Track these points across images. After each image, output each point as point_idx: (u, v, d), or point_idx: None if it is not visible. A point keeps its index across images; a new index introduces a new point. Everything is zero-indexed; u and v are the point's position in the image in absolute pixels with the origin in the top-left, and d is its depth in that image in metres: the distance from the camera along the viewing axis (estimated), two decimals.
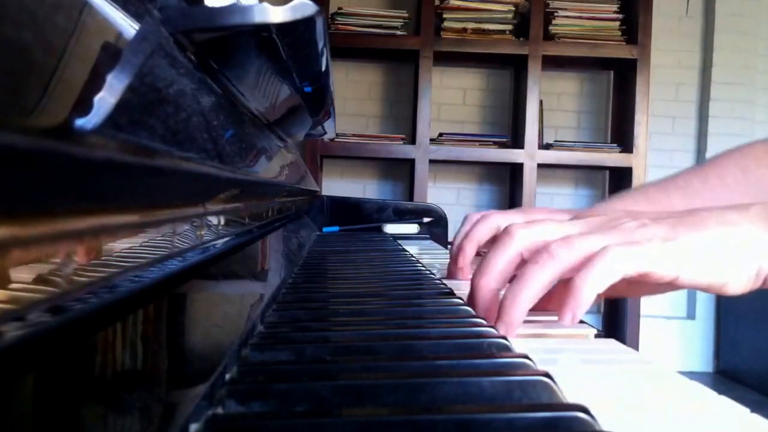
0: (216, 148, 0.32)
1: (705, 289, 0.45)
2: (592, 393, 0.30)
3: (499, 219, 0.63)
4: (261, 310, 0.41)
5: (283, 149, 0.76)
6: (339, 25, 2.64)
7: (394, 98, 2.99)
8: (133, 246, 0.20)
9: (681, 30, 3.00)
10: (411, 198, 2.66)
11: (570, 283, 0.42)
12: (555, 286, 0.51)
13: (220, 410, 0.26)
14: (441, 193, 2.95)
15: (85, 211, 0.16)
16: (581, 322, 0.45)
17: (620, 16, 2.70)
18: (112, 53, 0.20)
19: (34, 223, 0.13)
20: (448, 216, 1.45)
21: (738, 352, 2.84)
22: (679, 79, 3.02)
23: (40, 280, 0.14)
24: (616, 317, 2.76)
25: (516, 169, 2.78)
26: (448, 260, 0.71)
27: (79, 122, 0.15)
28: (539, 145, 2.72)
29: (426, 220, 1.42)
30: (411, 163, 2.70)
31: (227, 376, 0.29)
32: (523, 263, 0.47)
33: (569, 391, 0.28)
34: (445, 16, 2.68)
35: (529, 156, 2.67)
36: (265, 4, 0.35)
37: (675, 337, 3.00)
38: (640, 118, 2.66)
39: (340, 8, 2.70)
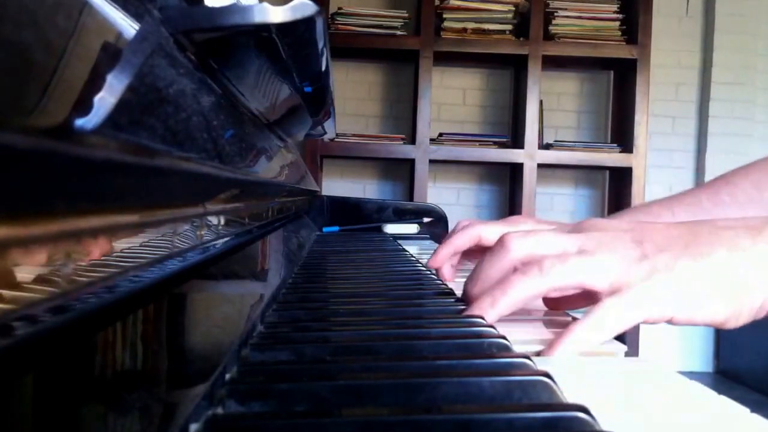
0: (216, 148, 0.32)
1: (704, 325, 0.42)
2: (592, 393, 0.30)
3: (481, 229, 0.63)
4: (261, 310, 0.41)
5: (283, 149, 0.76)
6: (339, 25, 2.64)
7: (394, 98, 2.99)
8: (133, 246, 0.20)
9: (681, 30, 3.00)
10: (411, 198, 2.66)
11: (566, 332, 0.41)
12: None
13: (220, 410, 0.26)
14: (441, 193, 2.95)
15: (85, 211, 0.16)
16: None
17: (620, 16, 2.70)
18: (112, 53, 0.20)
19: (34, 223, 0.13)
20: (448, 216, 1.45)
21: (738, 352, 2.84)
22: (679, 79, 3.02)
23: (40, 280, 0.14)
24: None
25: (516, 169, 2.78)
26: None
27: (79, 122, 0.15)
28: (539, 145, 2.72)
29: (426, 220, 1.42)
30: (411, 163, 2.70)
31: (227, 376, 0.29)
32: None
33: (569, 391, 0.28)
34: (445, 16, 2.68)
35: (529, 156, 2.67)
36: (265, 4, 0.35)
37: (675, 337, 3.00)
38: (640, 118, 2.66)
39: (340, 8, 2.70)
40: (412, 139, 2.71)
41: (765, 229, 0.42)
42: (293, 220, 0.91)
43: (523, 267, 0.45)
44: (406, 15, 2.69)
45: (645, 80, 2.66)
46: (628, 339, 2.57)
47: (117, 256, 0.19)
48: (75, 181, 0.15)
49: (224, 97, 0.42)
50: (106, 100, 0.17)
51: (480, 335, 0.38)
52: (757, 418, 0.27)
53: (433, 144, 2.69)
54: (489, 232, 0.62)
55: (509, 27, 2.70)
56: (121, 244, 0.19)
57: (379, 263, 0.80)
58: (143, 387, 0.21)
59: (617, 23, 2.70)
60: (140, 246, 0.21)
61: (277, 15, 0.35)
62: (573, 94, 3.03)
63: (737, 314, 0.41)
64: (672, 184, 2.96)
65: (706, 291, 0.41)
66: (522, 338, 0.42)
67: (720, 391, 0.30)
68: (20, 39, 0.13)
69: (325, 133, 1.12)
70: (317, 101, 0.71)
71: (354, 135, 2.71)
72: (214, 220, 0.33)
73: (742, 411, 0.28)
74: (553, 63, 2.76)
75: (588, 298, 0.47)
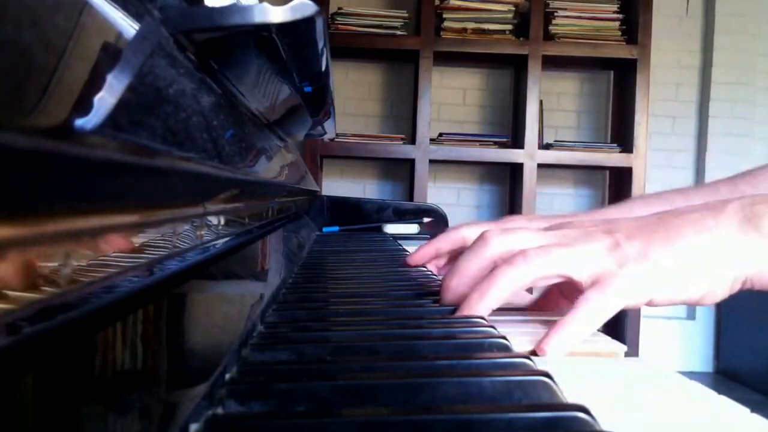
0: (216, 148, 0.32)
1: (683, 304, 0.44)
2: (592, 393, 0.30)
3: (465, 231, 0.64)
4: (261, 310, 0.41)
5: (283, 149, 0.76)
6: (339, 25, 2.64)
7: (394, 98, 2.99)
8: (133, 246, 0.20)
9: (681, 30, 3.00)
10: (411, 198, 2.66)
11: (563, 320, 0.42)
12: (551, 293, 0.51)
13: (220, 410, 0.26)
14: (441, 193, 2.95)
15: (85, 211, 0.16)
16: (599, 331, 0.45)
17: (620, 16, 2.70)
18: (112, 53, 0.20)
19: (34, 223, 0.13)
20: (448, 216, 1.45)
21: (738, 352, 2.84)
22: (679, 79, 3.02)
23: (40, 280, 0.14)
24: (615, 317, 2.75)
25: (516, 169, 2.78)
26: None
27: (79, 122, 0.15)
28: (539, 145, 2.72)
29: (426, 220, 1.42)
30: (411, 163, 2.70)
31: (227, 376, 0.29)
32: None
33: (569, 391, 0.28)
34: (445, 16, 2.68)
35: (529, 156, 2.67)
36: (265, 4, 0.35)
37: (675, 337, 3.00)
38: (640, 118, 2.66)
39: (340, 8, 2.70)
40: (412, 139, 2.71)
41: (725, 208, 0.44)
42: (293, 220, 0.91)
43: (508, 258, 0.46)
44: (406, 15, 2.69)
45: (645, 80, 2.66)
46: (628, 339, 2.57)
47: (117, 256, 0.19)
48: (75, 181, 0.15)
49: (224, 97, 0.42)
50: (106, 100, 0.17)
51: (480, 335, 0.38)
52: (757, 418, 0.27)
53: (433, 144, 2.69)
54: (473, 232, 0.62)
55: (509, 27, 2.70)
56: (121, 244, 0.19)
57: (379, 263, 0.80)
58: (143, 387, 0.21)
59: (617, 23, 2.70)
60: (140, 246, 0.21)
61: (277, 15, 0.35)
62: (573, 94, 3.03)
63: (713, 291, 0.43)
64: (672, 184, 2.96)
65: (681, 271, 0.43)
66: (522, 338, 0.42)
67: (720, 391, 0.30)
68: (20, 39, 0.13)
69: (325, 133, 1.12)
70: (317, 101, 0.71)
71: (354, 135, 2.71)
72: (214, 220, 0.33)
73: (742, 411, 0.28)
74: (553, 63, 2.76)
75: (570, 295, 0.49)
